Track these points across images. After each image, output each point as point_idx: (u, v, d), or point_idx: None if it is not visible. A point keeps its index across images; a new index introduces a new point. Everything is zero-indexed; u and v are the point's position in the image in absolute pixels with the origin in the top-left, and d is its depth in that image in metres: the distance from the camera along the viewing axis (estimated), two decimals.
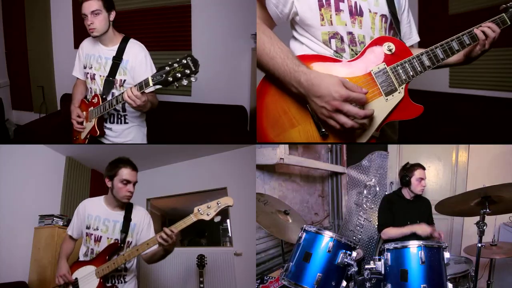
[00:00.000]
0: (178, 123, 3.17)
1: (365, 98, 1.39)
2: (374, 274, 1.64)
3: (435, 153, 3.09)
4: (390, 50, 1.50)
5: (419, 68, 1.49)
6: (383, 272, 1.60)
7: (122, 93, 1.85)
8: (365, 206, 3.22)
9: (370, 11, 1.54)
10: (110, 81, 2.06)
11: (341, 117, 1.37)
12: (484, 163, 2.96)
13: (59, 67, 3.93)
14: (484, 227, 1.72)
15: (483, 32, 1.48)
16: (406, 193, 2.36)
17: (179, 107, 3.41)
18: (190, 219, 1.60)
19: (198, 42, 3.40)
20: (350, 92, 1.36)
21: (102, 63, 2.10)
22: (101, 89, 2.09)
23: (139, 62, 2.05)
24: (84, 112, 2.17)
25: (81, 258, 1.79)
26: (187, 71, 1.58)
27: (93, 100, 2.12)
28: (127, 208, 1.83)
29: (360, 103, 1.39)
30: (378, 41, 1.52)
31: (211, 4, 3.31)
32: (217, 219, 1.57)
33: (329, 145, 3.36)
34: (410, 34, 1.76)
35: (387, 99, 1.48)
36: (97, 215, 1.80)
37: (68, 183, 3.13)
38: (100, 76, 2.10)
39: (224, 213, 3.38)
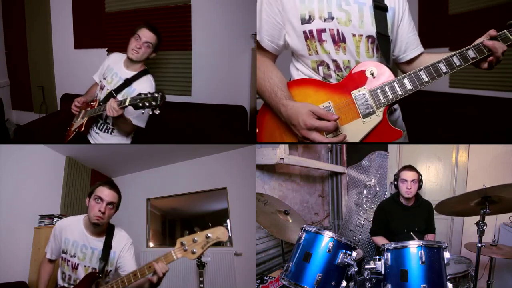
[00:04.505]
0: (178, 123, 3.17)
1: (331, 125, 1.47)
2: (374, 274, 1.64)
3: (435, 153, 3.09)
4: (372, 74, 1.57)
5: (400, 92, 1.54)
6: (383, 272, 1.59)
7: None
8: (365, 206, 3.22)
9: (354, 35, 1.58)
10: (111, 95, 2.22)
11: (314, 138, 1.52)
12: (484, 163, 2.96)
13: (59, 67, 3.93)
14: (484, 227, 1.72)
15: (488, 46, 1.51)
16: (401, 198, 2.29)
17: (179, 107, 3.41)
18: (171, 257, 1.39)
19: (198, 42, 3.40)
20: (316, 122, 1.48)
21: (114, 80, 2.27)
22: (102, 99, 2.30)
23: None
24: (83, 111, 2.38)
25: (60, 282, 1.69)
26: (153, 103, 1.82)
27: (92, 103, 2.36)
28: (108, 232, 1.71)
29: (327, 130, 1.50)
30: (361, 66, 1.59)
31: (211, 4, 3.31)
32: (206, 259, 1.20)
33: (329, 145, 3.36)
34: (414, 44, 1.74)
35: (364, 121, 1.56)
36: (74, 240, 1.69)
37: (68, 183, 3.13)
38: (107, 89, 2.27)
39: (224, 213, 3.38)
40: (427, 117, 3.05)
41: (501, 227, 2.63)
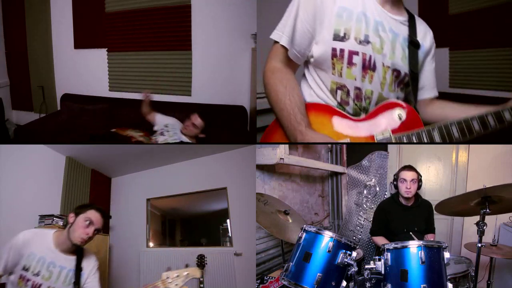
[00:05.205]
0: None
1: None
2: (374, 274, 1.64)
3: (435, 153, 3.09)
4: (400, 118, 1.46)
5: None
6: (383, 272, 1.59)
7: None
8: (365, 206, 3.22)
9: (383, 65, 1.49)
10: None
11: None
12: (484, 163, 2.96)
13: (59, 67, 3.94)
14: (484, 227, 1.72)
15: None
16: (401, 198, 2.29)
17: (179, 107, 3.41)
18: (158, 286, 1.54)
19: (198, 42, 3.41)
20: None
21: (173, 137, 2.90)
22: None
23: None
24: (143, 133, 2.93)
25: None
26: None
27: (152, 140, 2.89)
28: (78, 252, 1.60)
29: None
30: (389, 106, 1.48)
31: (211, 4, 3.31)
32: None
33: (329, 145, 3.36)
34: (431, 85, 1.68)
35: None
36: (41, 256, 1.51)
37: (68, 183, 3.12)
38: (166, 139, 2.85)
39: (224, 213, 3.38)
40: None
41: (501, 227, 2.63)
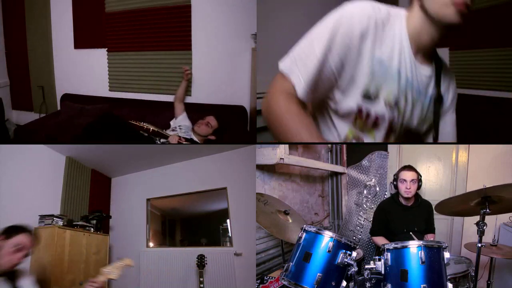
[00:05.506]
0: None
1: None
2: (374, 274, 1.64)
3: (435, 153, 3.09)
4: None
5: None
6: (383, 272, 1.59)
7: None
8: (365, 206, 3.22)
9: (400, 125, 1.37)
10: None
11: None
12: (484, 163, 2.96)
13: (59, 67, 3.94)
14: (484, 227, 1.72)
15: None
16: (401, 198, 2.29)
17: None
18: (100, 278, 1.71)
19: (198, 42, 3.41)
20: None
21: (185, 135, 3.06)
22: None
23: None
24: (153, 127, 3.03)
25: None
26: None
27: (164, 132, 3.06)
28: (10, 274, 1.50)
29: None
30: None
31: (211, 4, 3.31)
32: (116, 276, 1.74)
33: (329, 145, 3.36)
34: (451, 137, 1.56)
35: None
36: None
37: (68, 183, 3.12)
38: (177, 134, 3.01)
39: (224, 213, 3.39)
40: None
41: (501, 227, 2.63)
